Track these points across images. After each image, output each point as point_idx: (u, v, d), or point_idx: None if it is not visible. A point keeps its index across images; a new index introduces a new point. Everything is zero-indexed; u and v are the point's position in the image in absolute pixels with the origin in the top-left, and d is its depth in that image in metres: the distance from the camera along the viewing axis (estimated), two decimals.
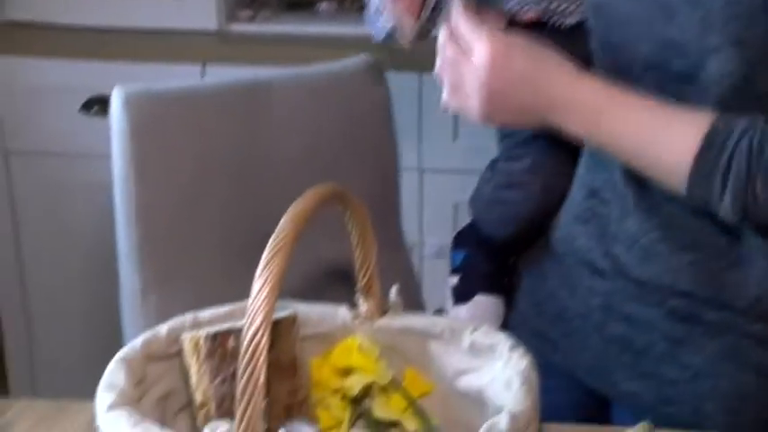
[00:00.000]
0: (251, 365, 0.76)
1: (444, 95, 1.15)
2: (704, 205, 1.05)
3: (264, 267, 0.78)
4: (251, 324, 0.77)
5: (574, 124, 1.11)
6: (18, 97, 2.48)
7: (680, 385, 1.20)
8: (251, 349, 0.76)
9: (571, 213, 1.31)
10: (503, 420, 0.85)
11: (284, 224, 0.81)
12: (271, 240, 0.80)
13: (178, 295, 1.33)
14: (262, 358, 0.76)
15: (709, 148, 1.03)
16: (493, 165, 1.49)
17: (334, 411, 1.06)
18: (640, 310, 1.22)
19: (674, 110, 1.07)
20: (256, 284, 0.78)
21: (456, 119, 2.36)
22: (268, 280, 0.78)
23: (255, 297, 0.77)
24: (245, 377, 0.76)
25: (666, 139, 1.06)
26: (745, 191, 1.01)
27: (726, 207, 1.03)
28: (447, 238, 2.38)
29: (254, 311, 0.77)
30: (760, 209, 1.02)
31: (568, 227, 1.31)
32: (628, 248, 1.20)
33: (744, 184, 1.01)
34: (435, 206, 2.42)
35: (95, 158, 2.36)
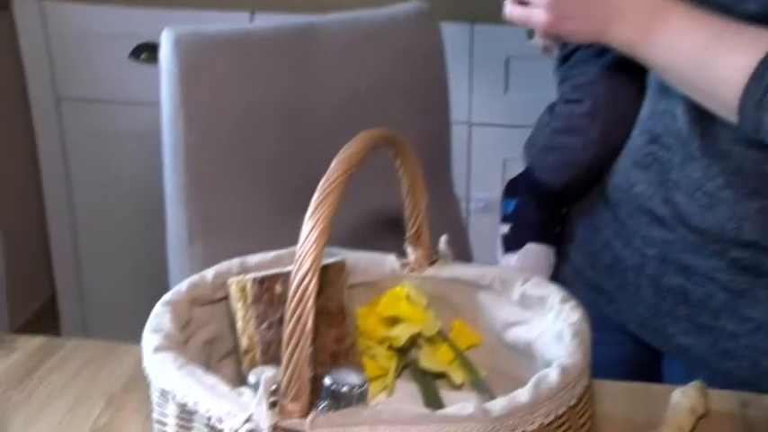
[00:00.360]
0: (298, 310, 0.74)
1: (508, 5, 1.13)
2: (755, 133, 1.01)
3: (314, 211, 0.77)
4: (299, 268, 0.75)
5: (631, 32, 1.08)
6: (69, 44, 2.49)
7: (739, 339, 1.18)
8: (299, 294, 0.75)
9: (630, 159, 1.28)
10: (553, 373, 0.83)
11: (335, 167, 0.79)
12: (321, 183, 0.78)
13: (224, 241, 1.32)
14: (309, 303, 0.74)
15: (765, 71, 0.99)
16: (551, 108, 1.45)
17: (380, 361, 1.05)
18: (700, 261, 1.19)
19: (737, 27, 1.03)
20: (305, 228, 0.76)
21: (507, 72, 2.33)
22: (317, 223, 0.76)
23: (304, 241, 0.76)
24: (292, 322, 0.75)
25: (724, 56, 1.03)
26: None
27: None
28: (495, 193, 2.36)
29: (302, 255, 0.75)
30: None
31: (627, 173, 1.28)
32: (690, 196, 1.17)
33: None
34: (484, 161, 2.40)
35: (144, 106, 2.38)
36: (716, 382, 1.14)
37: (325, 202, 0.77)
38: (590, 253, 1.36)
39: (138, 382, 1.07)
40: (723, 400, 1.07)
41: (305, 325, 0.74)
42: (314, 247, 0.76)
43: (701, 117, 1.14)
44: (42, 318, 2.73)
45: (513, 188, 1.51)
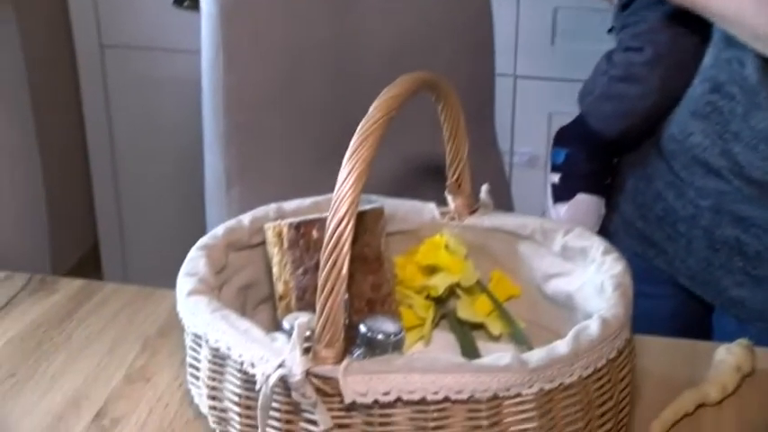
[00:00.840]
0: (334, 255, 0.73)
1: None
2: None
3: (352, 154, 0.75)
4: (335, 212, 0.73)
5: None
6: None
7: None
8: (334, 238, 0.73)
9: (689, 108, 1.25)
10: (593, 325, 0.81)
11: (374, 110, 0.77)
12: (360, 127, 0.76)
13: (262, 187, 1.31)
14: (345, 248, 0.73)
15: None
16: (609, 56, 1.42)
17: (417, 310, 1.04)
18: (757, 212, 1.17)
19: None
20: (343, 172, 0.74)
21: (554, 23, 2.28)
22: (355, 167, 0.74)
23: (341, 185, 0.74)
24: (327, 267, 0.73)
25: None
26: None
27: None
28: (539, 148, 2.34)
29: (339, 199, 0.74)
30: None
31: (684, 122, 1.25)
32: (751, 148, 1.14)
33: None
34: (529, 114, 2.36)
35: (186, 53, 2.37)
36: (751, 333, 1.12)
37: (364, 145, 0.75)
38: (641, 204, 1.33)
39: (173, 327, 1.07)
40: None
41: (340, 270, 0.73)
42: (351, 191, 0.74)
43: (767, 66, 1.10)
44: (85, 265, 2.76)
45: (564, 137, 1.48)
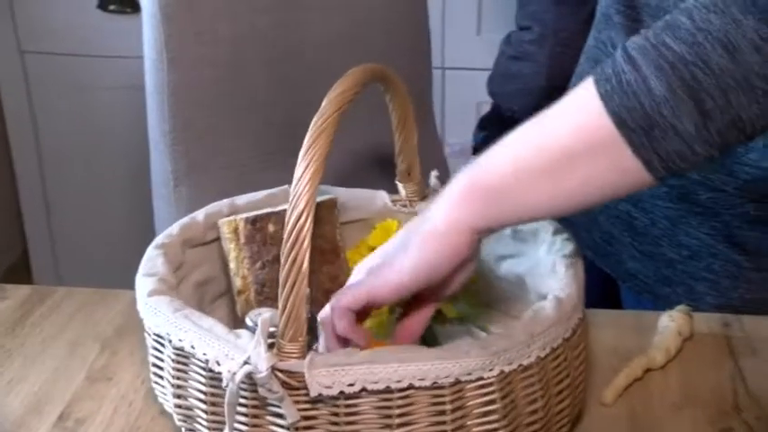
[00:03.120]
0: (294, 250, 0.74)
1: None
2: (636, 107, 0.74)
3: (308, 149, 0.76)
4: (294, 207, 0.74)
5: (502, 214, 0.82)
6: None
7: (676, 265, 1.20)
8: (294, 234, 0.74)
9: (577, 85, 1.29)
10: (549, 306, 0.83)
11: (327, 105, 0.78)
12: (314, 121, 0.77)
13: (209, 184, 1.31)
14: (305, 243, 0.74)
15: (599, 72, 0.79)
16: (507, 37, 1.46)
17: None
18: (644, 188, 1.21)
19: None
20: (299, 167, 0.75)
21: (479, 14, 2.30)
22: (312, 162, 0.75)
23: (299, 180, 0.75)
24: (288, 263, 0.74)
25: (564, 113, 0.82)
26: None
27: (652, 81, 0.72)
28: (470, 138, 2.36)
29: (297, 195, 0.75)
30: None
31: None
32: None
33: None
34: (458, 105, 2.37)
35: (113, 59, 2.35)
36: (658, 308, 1.16)
37: (319, 140, 0.76)
38: None
39: (131, 326, 1.08)
40: (706, 321, 1.09)
41: (301, 265, 0.74)
42: (308, 186, 0.75)
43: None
44: (14, 274, 2.71)
45: (484, 121, 1.53)
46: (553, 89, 1.37)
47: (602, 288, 1.32)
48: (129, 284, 1.15)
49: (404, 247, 0.81)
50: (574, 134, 0.76)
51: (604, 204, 1.23)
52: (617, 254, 1.27)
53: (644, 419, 0.93)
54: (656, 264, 1.23)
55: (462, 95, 2.34)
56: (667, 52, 0.72)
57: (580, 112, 0.77)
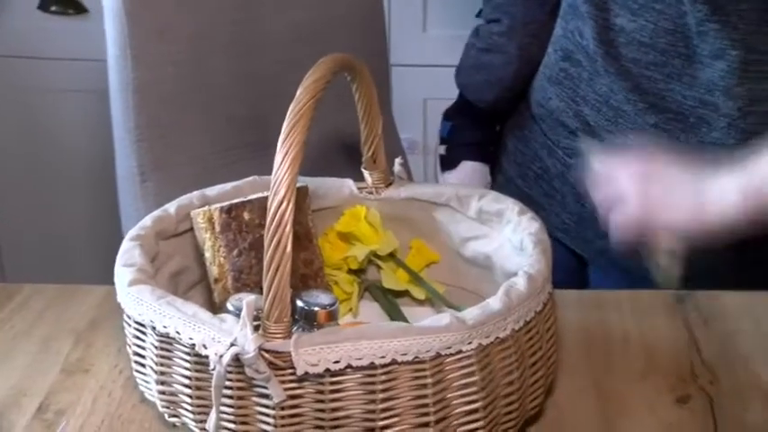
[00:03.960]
0: (277, 234, 0.76)
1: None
2: None
3: (286, 137, 0.78)
4: (276, 194, 0.77)
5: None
6: None
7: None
8: (277, 218, 0.76)
9: (545, 75, 1.34)
10: (520, 281, 0.86)
11: (302, 93, 0.80)
12: (290, 109, 0.79)
13: (176, 178, 1.32)
14: (288, 227, 0.76)
15: None
16: (476, 29, 1.50)
17: (343, 286, 1.08)
18: None
19: None
20: (279, 154, 0.78)
21: (425, 11, 2.32)
22: (290, 149, 0.78)
23: (279, 167, 0.77)
24: (272, 246, 0.76)
25: None
26: None
27: None
28: (417, 134, 2.38)
29: (278, 181, 0.77)
30: None
31: (544, 88, 1.34)
32: (596, 110, 1.23)
33: None
34: (406, 101, 2.37)
35: (58, 60, 2.32)
36: (625, 282, 1.22)
37: (297, 127, 0.78)
38: (520, 163, 1.41)
39: (104, 320, 1.09)
40: (663, 297, 1.14)
41: (284, 248, 0.76)
42: (288, 172, 0.77)
43: (603, 37, 1.19)
44: None
45: (449, 112, 1.56)
46: (522, 79, 1.41)
47: (569, 267, 1.36)
48: (95, 281, 1.17)
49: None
50: None
51: (572, 186, 1.28)
52: (586, 233, 1.31)
53: (610, 389, 0.97)
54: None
55: (410, 92, 2.35)
56: None
57: None
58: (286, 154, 0.78)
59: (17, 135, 2.52)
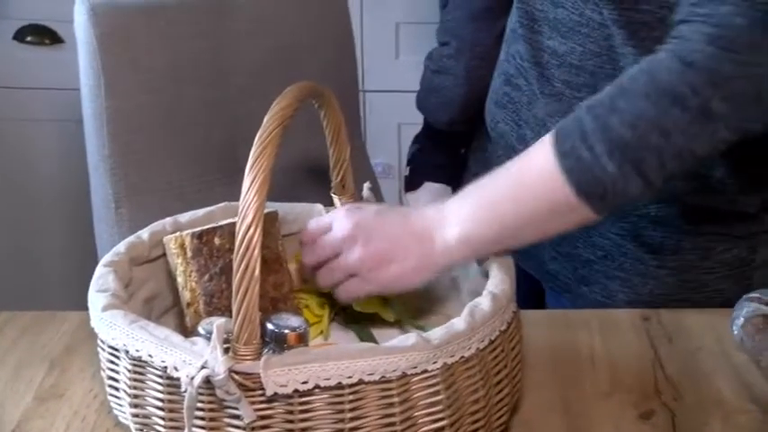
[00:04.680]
0: (246, 258, 0.78)
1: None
2: (593, 181, 0.95)
3: (253, 164, 0.80)
4: (244, 219, 0.79)
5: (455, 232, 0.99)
6: None
7: (593, 265, 1.27)
8: (245, 243, 0.78)
9: (492, 99, 1.36)
10: (484, 301, 0.89)
11: (270, 120, 0.83)
12: (258, 136, 0.81)
13: (150, 204, 1.34)
14: (256, 251, 0.78)
15: (559, 138, 0.96)
16: (430, 52, 1.53)
17: (314, 309, 1.09)
18: None
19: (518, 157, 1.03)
20: (246, 180, 0.80)
21: (397, 38, 2.35)
22: (258, 175, 0.80)
23: (247, 192, 0.80)
24: (240, 270, 0.78)
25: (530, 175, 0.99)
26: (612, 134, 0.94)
27: (605, 161, 0.93)
28: (392, 158, 2.41)
29: (246, 206, 0.79)
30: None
31: (492, 112, 1.36)
32: (536, 133, 1.24)
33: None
34: (380, 126, 2.40)
35: (33, 90, 2.33)
36: (577, 306, 1.26)
37: (264, 154, 0.81)
38: None
39: (80, 345, 1.10)
40: (629, 316, 1.17)
41: (253, 272, 0.78)
42: (256, 197, 0.79)
43: (538, 59, 1.22)
44: None
45: (416, 136, 1.60)
46: (472, 101, 1.44)
47: (527, 290, 1.38)
48: (71, 307, 1.18)
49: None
50: (545, 204, 0.97)
51: None
52: (539, 255, 1.33)
53: (576, 406, 0.99)
54: (573, 264, 1.29)
55: (383, 117, 2.38)
56: (615, 137, 0.93)
57: (546, 185, 0.96)
58: (253, 180, 0.80)
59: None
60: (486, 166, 1.41)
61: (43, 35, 2.34)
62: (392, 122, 2.37)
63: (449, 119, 1.51)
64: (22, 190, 2.53)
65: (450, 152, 1.56)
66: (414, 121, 1.63)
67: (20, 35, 2.37)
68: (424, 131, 1.61)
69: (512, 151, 1.31)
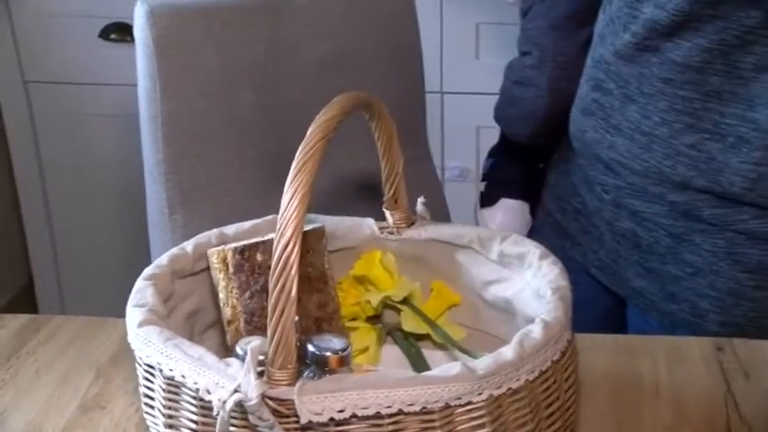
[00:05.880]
0: (282, 278, 0.75)
1: None
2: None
3: (294, 178, 0.77)
4: (281, 236, 0.75)
5: None
6: (35, 26, 2.44)
7: (681, 282, 1.22)
8: (282, 261, 0.75)
9: (579, 107, 1.32)
10: (536, 329, 0.84)
11: (313, 133, 0.79)
12: (299, 150, 0.78)
13: (204, 212, 1.32)
14: (293, 271, 0.75)
15: None
16: (510, 63, 1.48)
17: (362, 332, 1.06)
18: (645, 205, 1.23)
19: None
20: (286, 196, 0.76)
21: (477, 38, 2.32)
22: (298, 190, 0.76)
23: (285, 208, 0.76)
24: (276, 290, 0.75)
25: None
26: None
27: None
28: (470, 162, 2.37)
29: (284, 223, 0.76)
30: None
31: (579, 121, 1.32)
32: (629, 138, 1.21)
33: None
34: (457, 129, 2.37)
35: (114, 86, 2.36)
36: (664, 325, 1.21)
37: (305, 168, 0.77)
38: (560, 197, 1.39)
39: (126, 354, 1.08)
40: (699, 345, 1.10)
41: (289, 293, 0.75)
42: (295, 214, 0.76)
43: (633, 58, 1.18)
44: (19, 303, 2.70)
45: (492, 150, 1.55)
46: (554, 113, 1.39)
47: (607, 306, 1.33)
48: (123, 313, 1.16)
49: None
50: None
51: (608, 223, 1.26)
52: (623, 272, 1.28)
53: None
54: (661, 281, 1.24)
55: (462, 119, 2.35)
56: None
57: None
58: (293, 195, 0.76)
59: (76, 162, 2.58)
60: (566, 177, 1.37)
61: (126, 33, 2.36)
62: (470, 125, 2.34)
63: (530, 132, 1.46)
64: (101, 187, 2.55)
65: (527, 167, 1.52)
66: (493, 125, 1.58)
67: (104, 33, 2.40)
68: (500, 145, 1.56)
69: (598, 162, 1.27)
